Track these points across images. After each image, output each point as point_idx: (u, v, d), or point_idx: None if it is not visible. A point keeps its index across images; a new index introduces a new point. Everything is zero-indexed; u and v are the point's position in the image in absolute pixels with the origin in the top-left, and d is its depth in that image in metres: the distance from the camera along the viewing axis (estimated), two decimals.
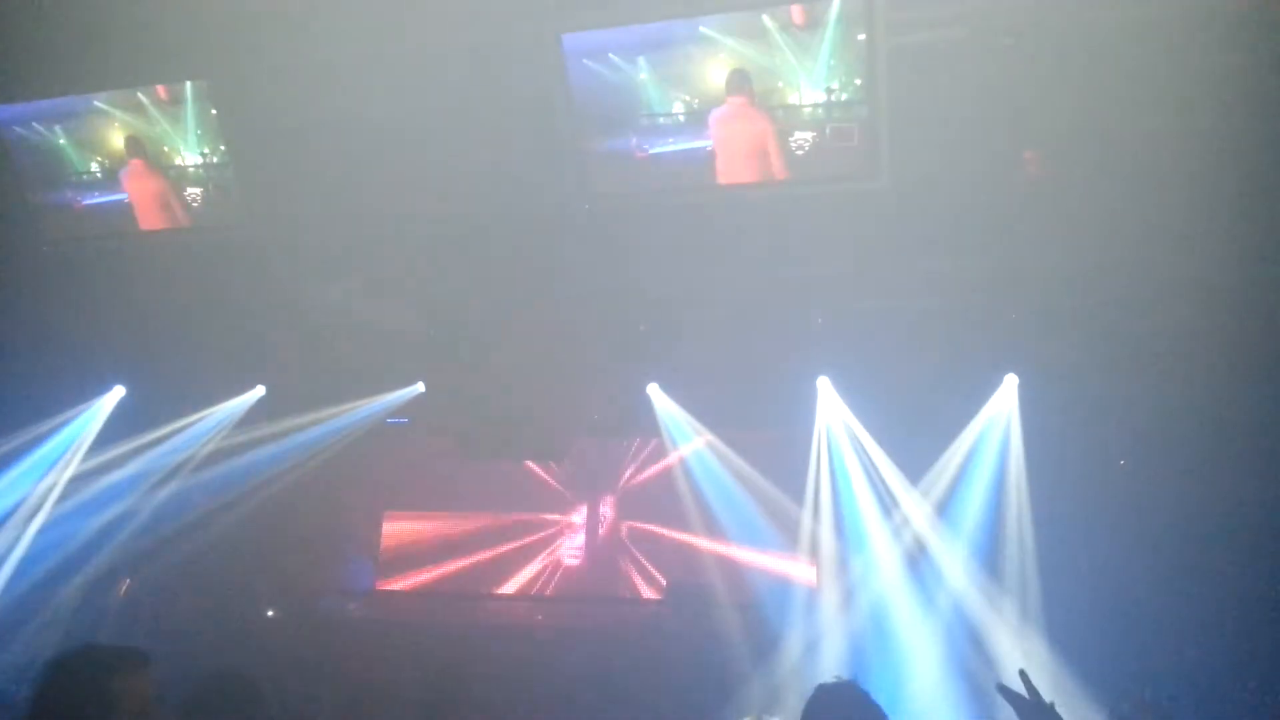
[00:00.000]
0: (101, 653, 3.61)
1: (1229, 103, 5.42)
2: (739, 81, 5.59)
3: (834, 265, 7.36)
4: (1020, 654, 7.19)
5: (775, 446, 9.51)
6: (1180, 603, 7.05)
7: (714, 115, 5.72)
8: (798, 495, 8.50)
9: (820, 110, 5.57)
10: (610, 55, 5.69)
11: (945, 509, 7.94)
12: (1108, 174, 5.96)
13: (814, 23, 5.30)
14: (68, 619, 8.55)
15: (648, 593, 10.58)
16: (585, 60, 5.72)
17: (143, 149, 6.68)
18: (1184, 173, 5.84)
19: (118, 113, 6.59)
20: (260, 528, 9.34)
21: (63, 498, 9.01)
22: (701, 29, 5.50)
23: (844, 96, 5.48)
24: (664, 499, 10.66)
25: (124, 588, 8.89)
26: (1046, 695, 3.74)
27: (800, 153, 5.70)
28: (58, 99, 6.63)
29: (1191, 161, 5.76)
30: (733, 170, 5.85)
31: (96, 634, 8.52)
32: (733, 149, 5.79)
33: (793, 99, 5.56)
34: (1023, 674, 3.81)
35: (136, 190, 6.85)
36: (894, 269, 7.32)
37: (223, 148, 6.55)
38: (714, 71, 5.60)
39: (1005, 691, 3.90)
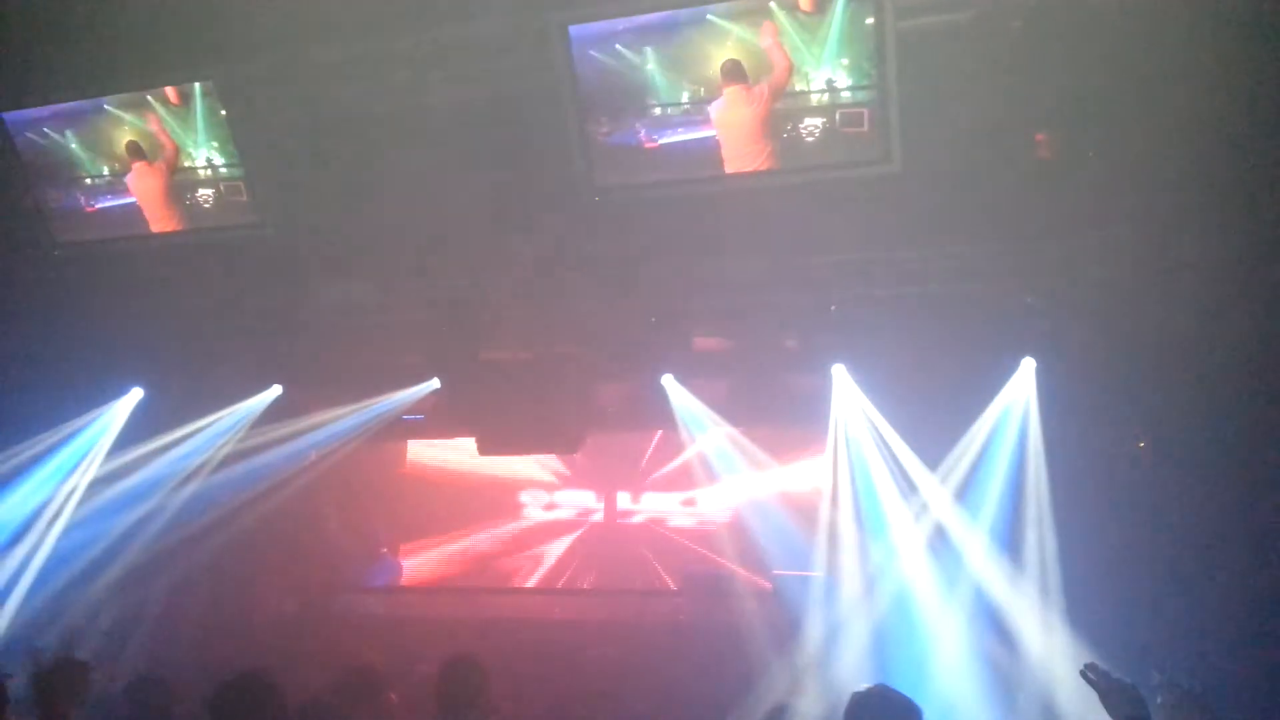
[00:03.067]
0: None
1: (1245, 84, 5.36)
2: (733, 71, 5.55)
3: (848, 252, 7.33)
4: (1042, 638, 7.16)
5: (791, 435, 9.49)
6: (1202, 585, 6.99)
7: (713, 106, 5.70)
8: (815, 483, 8.47)
9: (829, 96, 5.53)
10: (617, 45, 5.66)
11: (964, 494, 7.89)
12: (1121, 155, 5.90)
13: (821, 8, 5.25)
14: (99, 620, 8.61)
15: (665, 584, 10.60)
16: (592, 51, 5.69)
17: (143, 152, 6.68)
18: (1201, 154, 5.78)
19: (127, 116, 6.60)
20: (279, 525, 9.39)
21: (83, 501, 9.07)
22: (709, 17, 5.46)
23: (853, 81, 5.44)
24: (680, 490, 10.69)
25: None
26: (1070, 679, 3.77)
27: (811, 139, 5.66)
28: (67, 103, 6.65)
29: (1208, 143, 5.70)
30: (737, 159, 5.81)
31: (125, 634, 8.58)
32: (734, 138, 5.75)
33: (801, 85, 5.52)
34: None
35: (142, 193, 6.86)
36: (908, 255, 7.29)
37: (233, 148, 6.55)
38: (722, 60, 5.56)
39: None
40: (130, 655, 8.24)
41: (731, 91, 5.61)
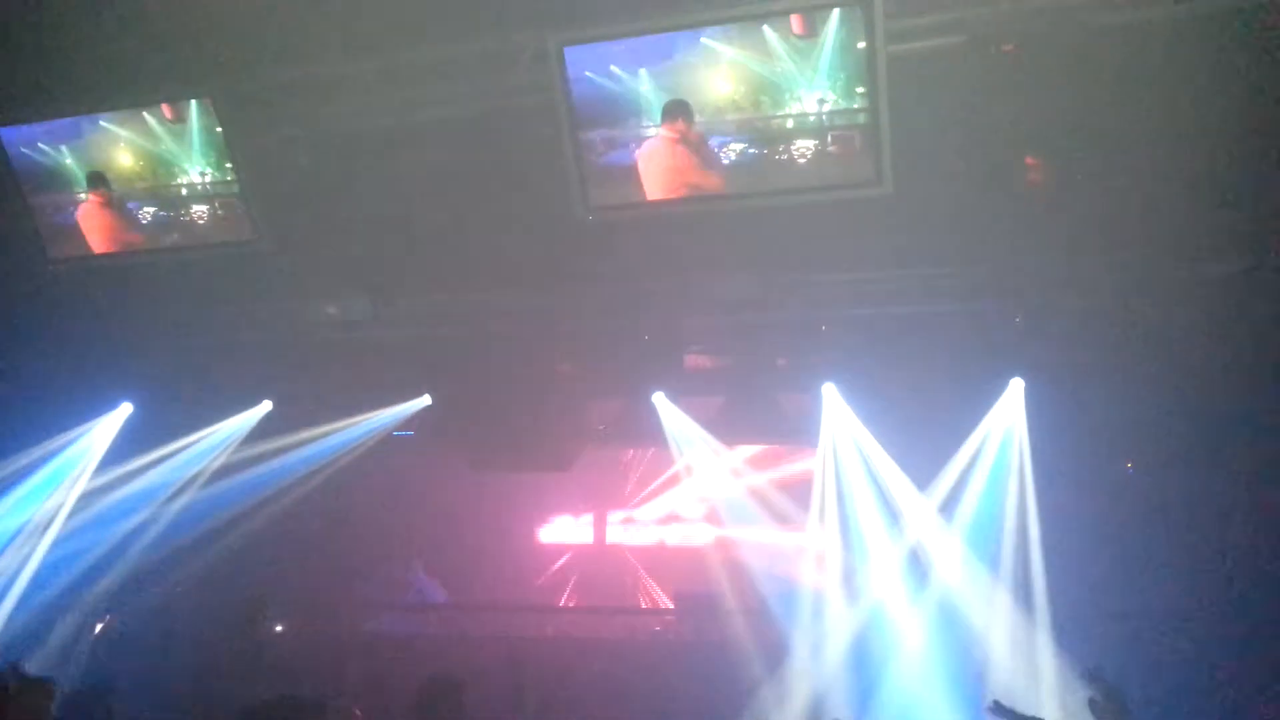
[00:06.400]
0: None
1: (1228, 105, 5.43)
2: (676, 110, 5.69)
3: (839, 272, 7.39)
4: (1027, 657, 7.18)
5: (781, 453, 9.53)
6: (1189, 603, 7.03)
7: (646, 143, 5.83)
8: (805, 502, 8.50)
9: (822, 118, 5.59)
10: (612, 67, 5.72)
11: (953, 513, 7.92)
12: (1108, 177, 5.96)
13: (814, 32, 5.32)
14: (88, 639, 8.55)
15: (656, 602, 10.60)
16: (588, 72, 5.74)
17: (104, 182, 6.80)
18: (1184, 175, 5.85)
19: (123, 132, 6.63)
20: (267, 542, 9.34)
21: (73, 515, 9.03)
22: (703, 40, 5.52)
23: (845, 104, 5.50)
24: (671, 507, 10.70)
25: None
26: (1051, 701, 3.78)
27: (803, 160, 5.72)
28: (63, 120, 6.67)
29: (1191, 163, 5.77)
30: (656, 188, 5.97)
31: (119, 651, 8.52)
32: (657, 170, 5.90)
33: (794, 108, 5.58)
34: (997, 704, 3.87)
35: (86, 224, 6.99)
36: (898, 275, 7.34)
37: (228, 165, 6.58)
38: (715, 82, 5.62)
39: (998, 711, 3.95)
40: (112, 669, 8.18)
41: (672, 128, 5.74)
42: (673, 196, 5.95)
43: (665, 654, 8.23)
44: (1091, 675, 4.33)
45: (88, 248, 7.11)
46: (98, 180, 6.80)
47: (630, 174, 5.99)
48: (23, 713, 3.14)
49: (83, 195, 6.88)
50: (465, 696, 5.35)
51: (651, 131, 5.83)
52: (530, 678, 5.60)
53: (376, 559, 10.44)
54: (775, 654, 7.69)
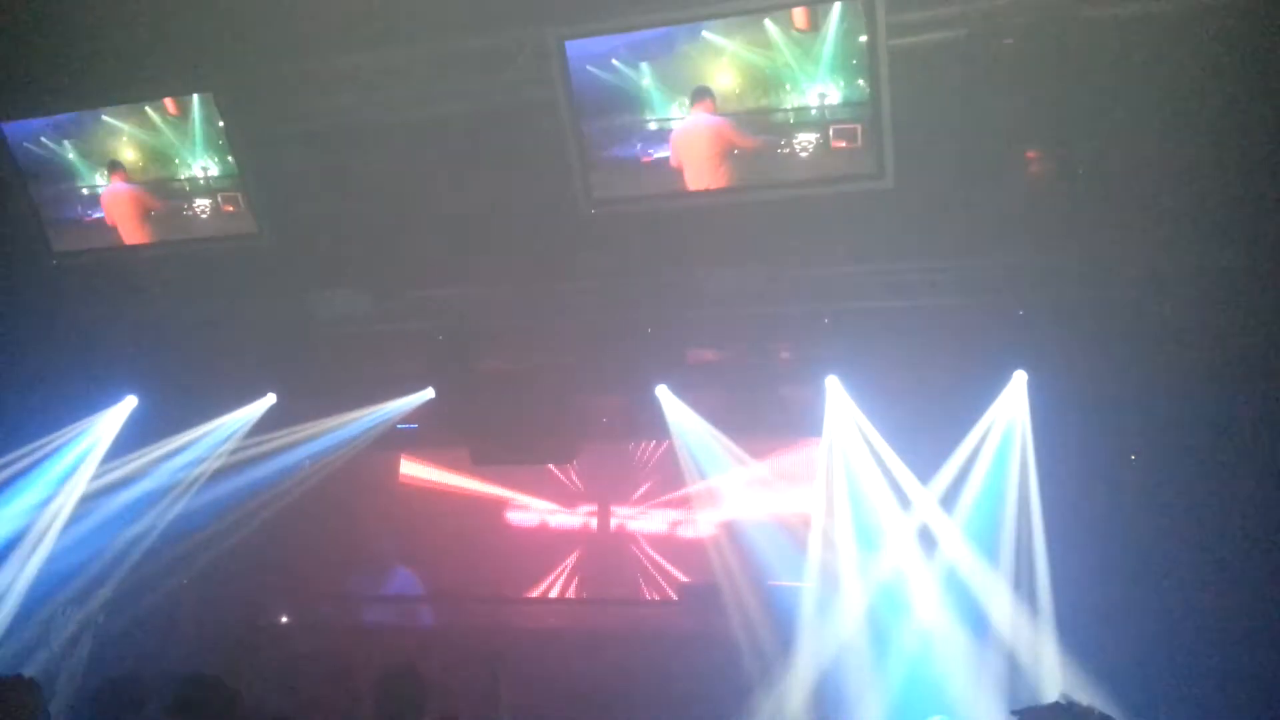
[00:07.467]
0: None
1: (1232, 97, 5.43)
2: (701, 95, 5.70)
3: (841, 265, 7.39)
4: (1034, 648, 7.20)
5: (785, 446, 9.54)
6: (1194, 596, 7.03)
7: (675, 129, 5.83)
8: (808, 494, 8.50)
9: (824, 112, 5.59)
10: (614, 61, 5.72)
11: (956, 506, 7.92)
12: (1111, 170, 5.96)
13: (815, 25, 5.32)
14: (94, 629, 8.59)
15: (661, 595, 10.61)
16: (589, 66, 5.75)
17: (123, 167, 6.80)
18: (1188, 167, 5.85)
19: (125, 126, 6.64)
20: (272, 535, 9.38)
21: (76, 508, 9.05)
22: (704, 33, 5.53)
23: (846, 98, 5.50)
24: (674, 501, 10.71)
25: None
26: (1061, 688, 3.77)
27: (804, 154, 5.72)
28: (66, 114, 6.68)
29: (1196, 155, 5.77)
30: (698, 178, 5.95)
31: (122, 643, 8.56)
32: (693, 158, 5.90)
33: (796, 101, 5.57)
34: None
35: (116, 210, 6.98)
36: (900, 268, 7.34)
37: (230, 159, 6.59)
38: (717, 75, 5.63)
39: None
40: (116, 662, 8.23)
41: (700, 110, 5.74)
42: (719, 181, 5.94)
43: (669, 647, 8.24)
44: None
45: (92, 241, 7.14)
46: (117, 166, 6.82)
47: (632, 166, 6.00)
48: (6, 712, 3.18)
49: (100, 185, 6.90)
50: (423, 687, 5.35)
51: (655, 126, 5.84)
52: (507, 673, 5.59)
53: (375, 551, 10.46)
54: (780, 648, 7.70)
